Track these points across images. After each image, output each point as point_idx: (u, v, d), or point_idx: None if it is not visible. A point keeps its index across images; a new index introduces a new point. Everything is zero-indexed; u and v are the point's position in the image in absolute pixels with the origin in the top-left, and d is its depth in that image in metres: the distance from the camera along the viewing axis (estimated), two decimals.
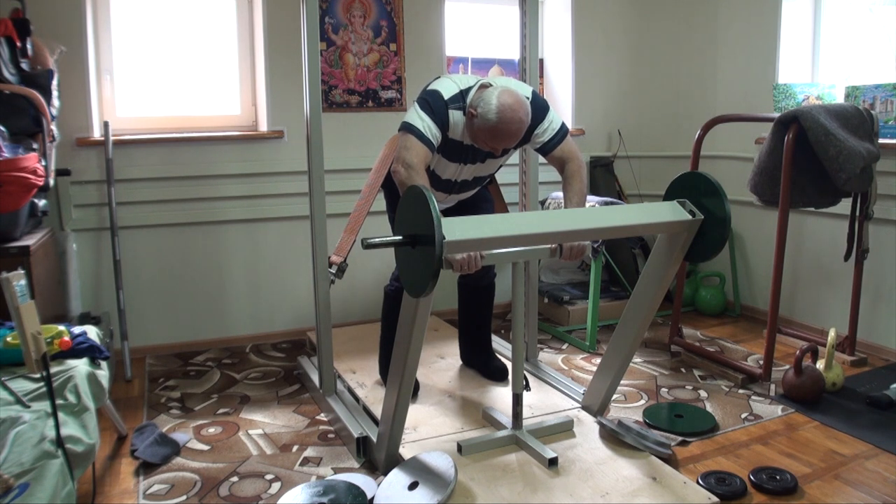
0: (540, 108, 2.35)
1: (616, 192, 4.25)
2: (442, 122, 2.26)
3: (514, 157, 3.05)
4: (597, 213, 2.12)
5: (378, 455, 2.27)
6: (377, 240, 1.78)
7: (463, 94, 2.29)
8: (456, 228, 1.77)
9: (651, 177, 4.34)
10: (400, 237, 1.80)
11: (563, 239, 2.10)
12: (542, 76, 4.28)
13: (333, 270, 2.57)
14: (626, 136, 4.30)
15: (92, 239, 3.28)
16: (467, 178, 2.53)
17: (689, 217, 2.05)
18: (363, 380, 2.87)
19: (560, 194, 3.52)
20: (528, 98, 2.29)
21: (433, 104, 2.26)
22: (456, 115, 2.28)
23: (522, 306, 2.37)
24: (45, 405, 1.83)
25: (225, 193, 3.47)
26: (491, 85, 2.28)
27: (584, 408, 2.59)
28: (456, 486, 2.01)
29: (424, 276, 1.72)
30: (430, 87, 2.33)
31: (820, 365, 2.86)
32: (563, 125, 2.39)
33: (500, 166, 2.61)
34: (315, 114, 2.50)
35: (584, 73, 4.20)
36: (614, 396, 2.83)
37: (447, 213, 2.31)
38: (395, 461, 2.23)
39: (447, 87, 2.30)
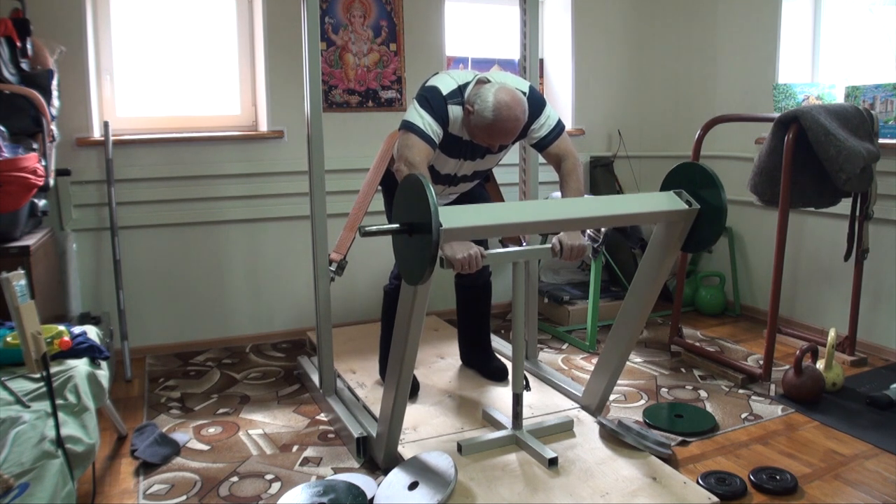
0: (537, 103, 2.35)
1: (616, 192, 4.25)
2: (442, 119, 2.26)
3: (514, 157, 3.06)
4: (594, 203, 2.13)
5: (377, 451, 2.28)
6: (375, 228, 1.81)
7: (461, 88, 2.29)
8: (453, 216, 1.79)
9: (651, 177, 4.34)
10: (397, 225, 1.82)
11: (560, 227, 2.10)
12: (542, 76, 4.28)
13: (333, 268, 2.57)
14: (626, 136, 4.30)
15: (92, 239, 3.28)
16: (467, 172, 2.53)
17: (686, 207, 2.06)
18: (363, 380, 2.87)
19: (559, 194, 3.53)
20: (524, 93, 2.29)
21: (432, 101, 2.26)
22: (455, 111, 2.28)
23: (522, 306, 2.37)
24: (45, 405, 1.83)
25: (225, 193, 3.47)
26: (488, 80, 2.28)
27: (583, 407, 2.59)
28: (456, 486, 2.01)
29: (422, 263, 1.74)
30: (428, 84, 2.33)
31: (820, 365, 2.86)
32: (559, 122, 2.39)
33: (500, 160, 2.62)
34: (315, 114, 2.50)
35: (584, 73, 4.20)
36: (614, 396, 2.83)
37: None
38: (394, 457, 2.24)
39: (445, 82, 2.30)
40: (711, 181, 2.04)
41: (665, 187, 2.17)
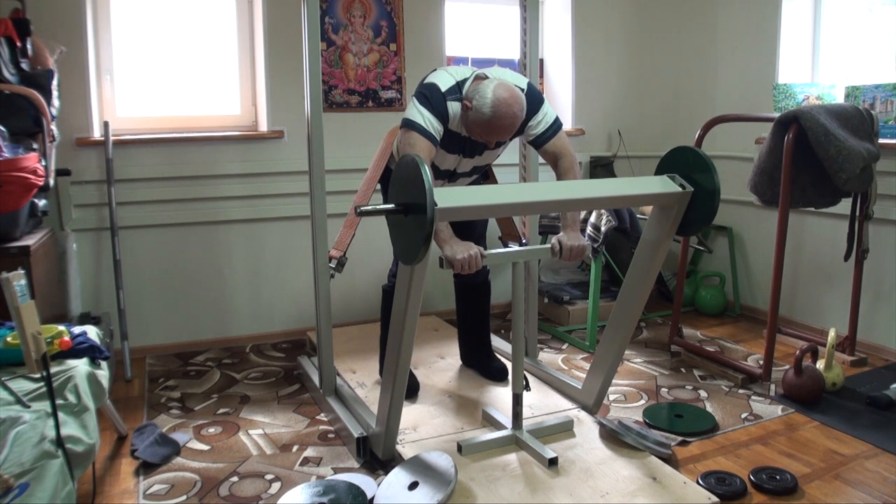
0: (535, 100, 2.35)
1: None
2: (441, 115, 2.26)
3: (514, 157, 3.06)
4: (588, 185, 2.15)
5: (376, 444, 2.28)
6: (371, 207, 1.86)
7: (459, 85, 2.29)
8: (448, 196, 1.82)
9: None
10: (393, 205, 1.85)
11: (554, 208, 2.11)
12: (542, 76, 4.28)
13: (333, 265, 2.57)
14: (626, 136, 4.30)
15: (92, 239, 3.28)
16: (465, 168, 2.54)
17: (679, 189, 2.08)
18: (363, 379, 2.87)
19: None
20: (522, 90, 2.30)
21: (431, 98, 2.26)
22: (454, 107, 2.29)
23: (522, 306, 2.37)
24: (45, 405, 1.83)
25: (225, 193, 3.47)
26: (487, 77, 2.28)
27: (581, 404, 2.59)
28: (456, 485, 2.01)
29: (417, 241, 1.76)
30: (426, 81, 2.33)
31: (820, 365, 2.86)
32: (556, 119, 2.39)
33: (498, 156, 2.62)
34: (315, 114, 2.50)
35: (584, 73, 4.20)
36: (614, 396, 2.83)
37: None
38: (393, 449, 2.25)
39: (443, 79, 2.30)
40: (704, 164, 2.06)
41: (659, 172, 2.20)
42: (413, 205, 1.78)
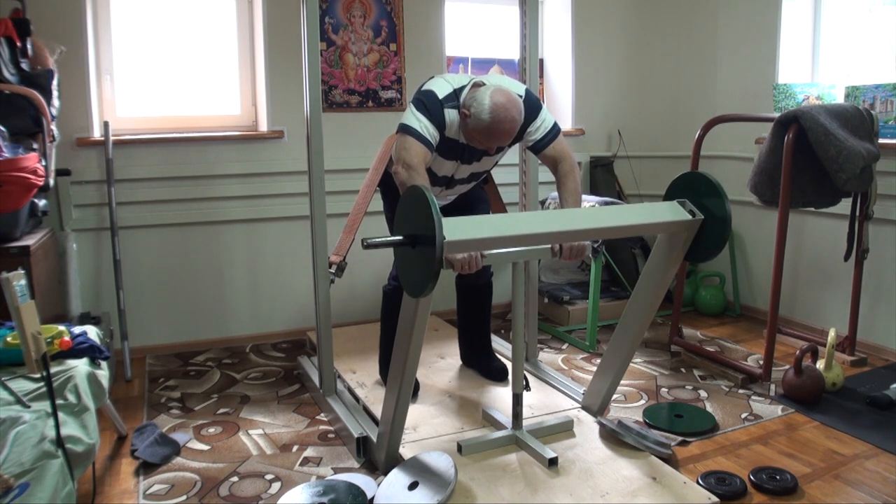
0: (533, 106, 2.35)
1: (616, 192, 4.25)
2: (438, 122, 2.26)
3: (514, 158, 3.06)
4: (597, 214, 2.13)
5: (378, 455, 2.27)
6: (377, 240, 1.78)
7: (457, 92, 2.30)
8: (456, 229, 1.76)
9: (651, 177, 4.34)
10: (400, 237, 1.80)
11: (564, 239, 2.10)
12: (542, 76, 4.28)
13: (333, 270, 2.57)
14: (626, 136, 4.30)
15: (92, 239, 3.28)
16: (463, 175, 2.54)
17: (689, 217, 2.05)
18: (363, 380, 2.87)
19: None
20: (520, 96, 2.30)
21: (428, 104, 2.26)
22: (451, 114, 2.29)
23: (522, 306, 2.37)
24: (45, 405, 1.83)
25: (225, 193, 3.47)
26: (484, 84, 2.29)
27: (584, 408, 2.59)
28: (456, 486, 2.01)
29: (424, 276, 1.72)
30: (424, 88, 2.34)
31: (820, 365, 2.86)
32: (555, 124, 2.39)
33: (496, 163, 2.62)
34: (315, 114, 2.50)
35: (584, 73, 4.20)
36: (614, 396, 2.83)
37: (443, 211, 2.31)
38: (395, 461, 2.23)
39: (441, 86, 2.31)
40: (715, 190, 2.02)
41: (668, 196, 2.15)
42: (421, 237, 1.73)
